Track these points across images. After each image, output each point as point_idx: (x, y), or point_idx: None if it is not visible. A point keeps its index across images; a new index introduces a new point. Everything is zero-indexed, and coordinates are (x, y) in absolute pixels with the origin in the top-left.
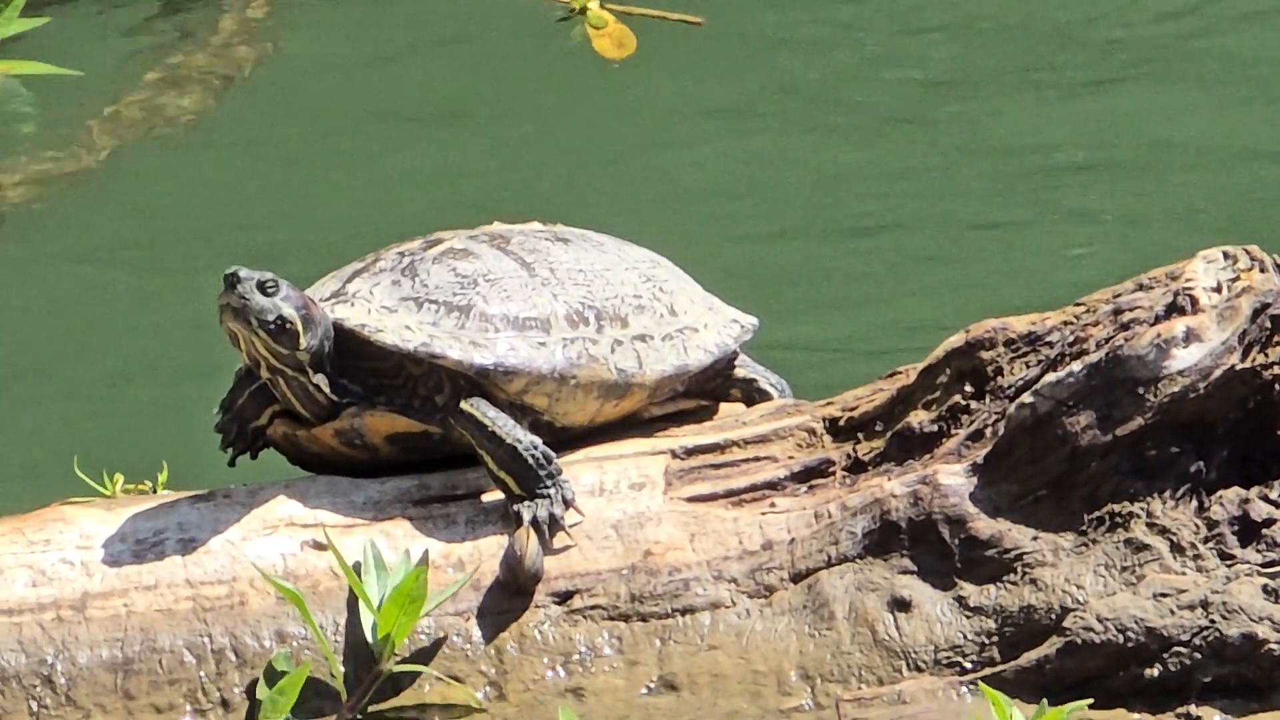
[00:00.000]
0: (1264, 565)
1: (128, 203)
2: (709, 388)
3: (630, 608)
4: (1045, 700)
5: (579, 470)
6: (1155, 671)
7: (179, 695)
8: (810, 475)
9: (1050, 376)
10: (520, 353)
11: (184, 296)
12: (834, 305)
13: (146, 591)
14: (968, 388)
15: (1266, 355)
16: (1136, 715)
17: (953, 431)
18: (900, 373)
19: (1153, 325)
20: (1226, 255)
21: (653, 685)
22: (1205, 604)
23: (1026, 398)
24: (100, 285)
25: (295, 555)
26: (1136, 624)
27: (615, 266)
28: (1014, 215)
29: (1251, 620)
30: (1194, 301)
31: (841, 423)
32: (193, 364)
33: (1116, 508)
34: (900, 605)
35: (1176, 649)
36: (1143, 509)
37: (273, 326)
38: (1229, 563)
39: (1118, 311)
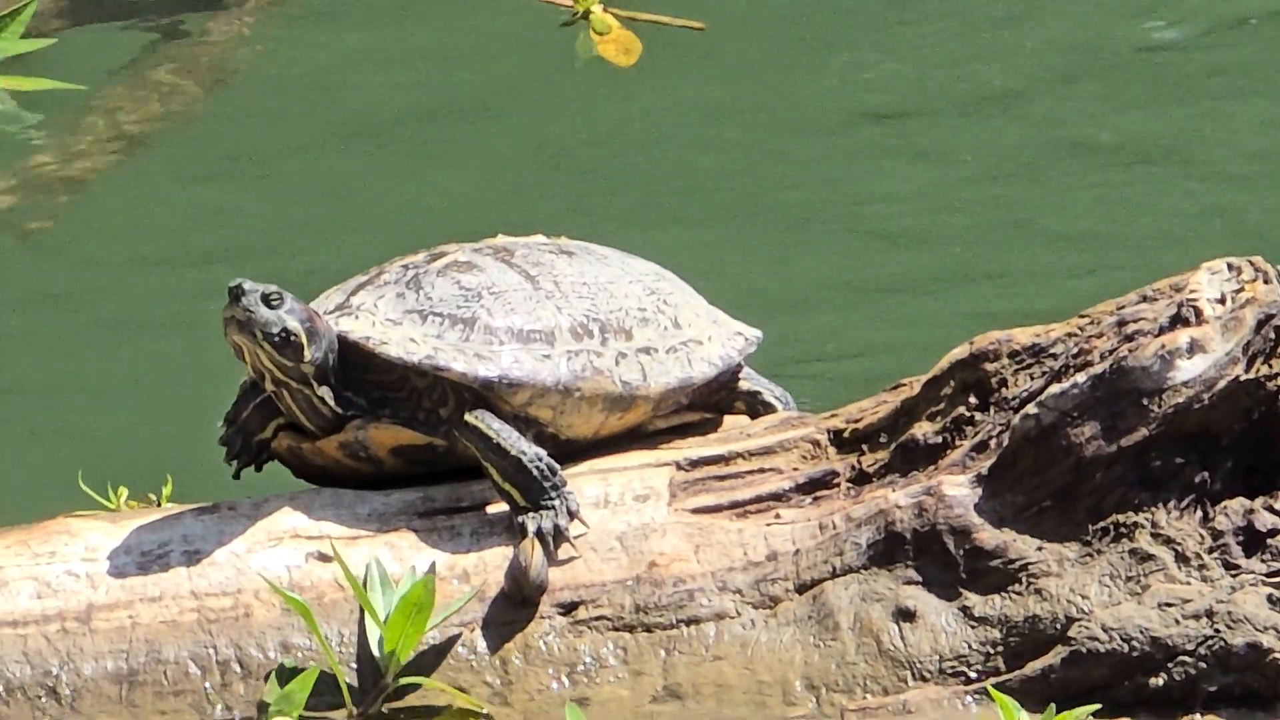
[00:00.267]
0: (1269, 575)
1: (130, 215)
2: (713, 400)
3: (635, 619)
4: (1052, 707)
5: (583, 482)
6: (1160, 681)
7: (184, 706)
8: (815, 487)
9: (1055, 388)
10: (525, 365)
11: (188, 309)
12: (839, 316)
13: (151, 603)
14: (972, 399)
15: (1270, 366)
16: None
17: (957, 443)
18: (904, 384)
19: (1157, 336)
20: (1230, 266)
21: (658, 696)
22: (1210, 613)
23: (1031, 409)
24: (103, 298)
25: (300, 567)
26: (1141, 633)
27: (619, 279)
28: (1021, 225)
29: (1256, 630)
30: (1198, 313)
31: (846, 434)
32: (197, 377)
33: (1121, 518)
34: (905, 615)
35: (1181, 658)
36: (1147, 519)
37: (277, 339)
38: (1234, 572)
39: (1122, 323)
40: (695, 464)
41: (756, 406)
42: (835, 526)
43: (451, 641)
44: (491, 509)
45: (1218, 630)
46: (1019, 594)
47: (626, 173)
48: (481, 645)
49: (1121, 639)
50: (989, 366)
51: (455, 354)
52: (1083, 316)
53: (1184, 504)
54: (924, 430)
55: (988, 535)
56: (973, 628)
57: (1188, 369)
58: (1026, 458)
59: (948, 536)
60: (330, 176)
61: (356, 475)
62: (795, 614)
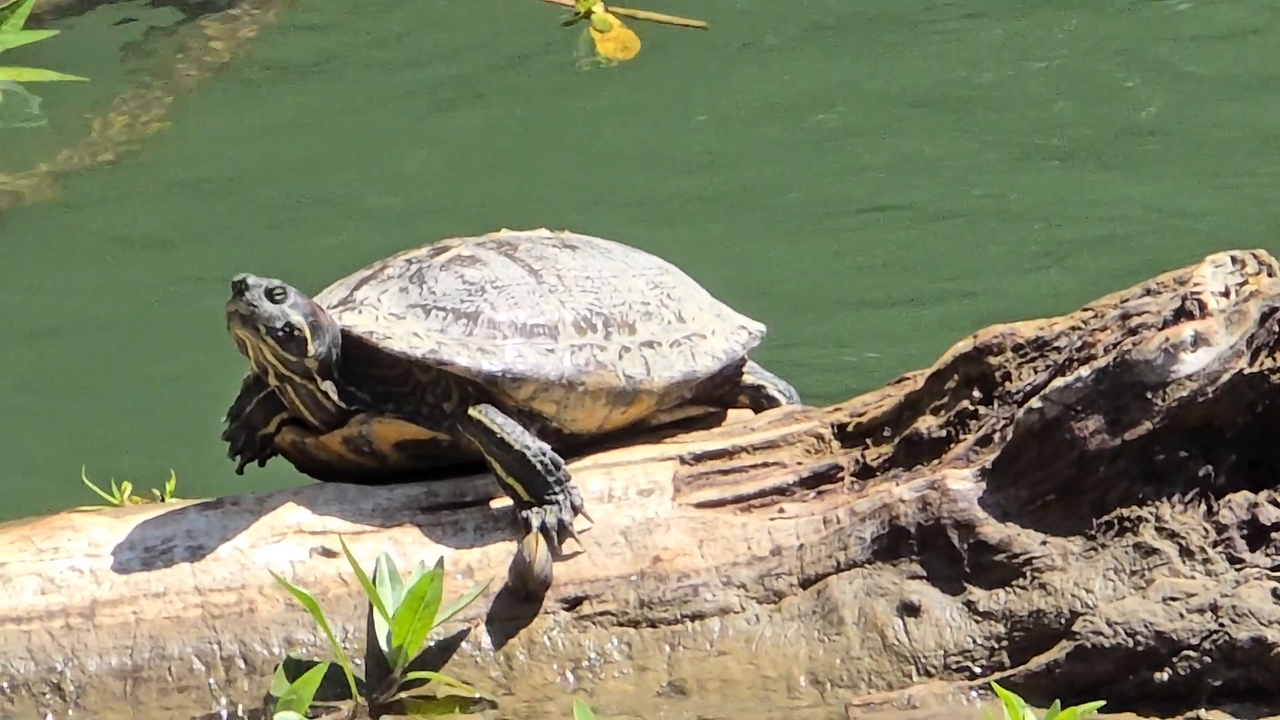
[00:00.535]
0: (1273, 569)
1: (134, 207)
2: (717, 394)
3: (639, 614)
4: (1057, 702)
5: (587, 477)
6: (1165, 676)
7: (188, 702)
8: (819, 481)
9: (1058, 381)
10: (528, 359)
11: (191, 303)
12: (842, 311)
13: (155, 599)
14: (976, 393)
15: (1275, 359)
16: (1146, 719)
17: (961, 437)
18: (908, 378)
19: (1160, 330)
20: (1234, 260)
21: (662, 691)
22: (1215, 608)
23: (1035, 403)
24: (106, 293)
25: (304, 562)
26: (1146, 628)
27: (623, 273)
28: (1024, 220)
29: (1261, 624)
30: (1202, 306)
31: (850, 428)
32: (200, 372)
33: (1125, 512)
34: (909, 610)
35: (1186, 653)
36: (1151, 513)
37: (281, 334)
38: (1238, 566)
39: (1125, 316)
40: (699, 458)
41: (760, 400)
42: (839, 521)
43: (457, 637)
44: (495, 504)
45: (1222, 625)
46: (1023, 588)
47: (626, 165)
48: (486, 641)
49: (1126, 633)
50: (993, 360)
51: (459, 348)
52: (1086, 309)
53: (1188, 498)
54: (928, 424)
55: (992, 529)
56: (977, 622)
57: (1191, 362)
58: (1030, 452)
59: (952, 531)
60: (329, 171)
61: (360, 470)
62: (800, 609)
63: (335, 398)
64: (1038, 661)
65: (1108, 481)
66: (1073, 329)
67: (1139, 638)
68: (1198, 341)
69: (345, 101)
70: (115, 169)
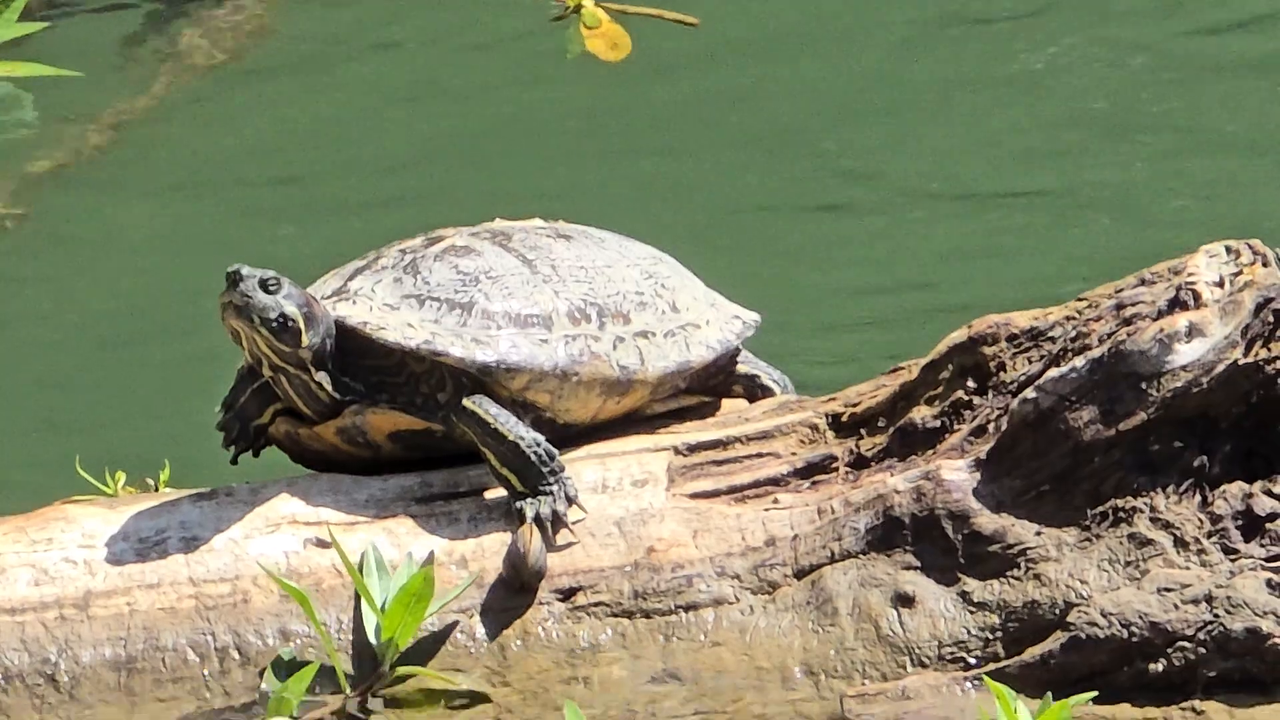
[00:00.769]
0: (1267, 559)
1: (127, 200)
2: (711, 384)
3: (634, 604)
4: (1049, 695)
5: (582, 467)
6: (1159, 666)
7: (182, 693)
8: (813, 471)
9: (1053, 372)
10: (522, 350)
11: (185, 294)
12: (836, 300)
13: (149, 590)
14: (970, 383)
15: (1269, 349)
16: (1141, 710)
17: (955, 427)
18: (903, 368)
19: (1155, 320)
20: (1229, 250)
21: (657, 680)
22: (1209, 598)
23: (1029, 393)
24: (99, 283)
25: (298, 553)
26: (1140, 619)
27: (617, 263)
28: (1017, 211)
29: (1255, 615)
30: (1196, 296)
31: (844, 418)
32: (194, 361)
33: (1120, 502)
34: (904, 601)
35: (1181, 644)
36: (1146, 504)
37: (275, 324)
38: (1233, 557)
39: (1120, 306)
40: (693, 449)
41: (754, 390)
42: (834, 511)
43: (450, 628)
44: (489, 494)
45: (1217, 615)
46: (1018, 579)
47: (617, 161)
48: (480, 631)
49: (1120, 624)
50: (987, 350)
51: (453, 339)
52: (1081, 299)
53: (1182, 488)
54: (922, 414)
55: (986, 520)
56: (971, 613)
57: (1186, 353)
58: (1025, 442)
59: (946, 521)
60: (322, 163)
61: (354, 460)
62: (794, 600)
63: (329, 388)
64: (1032, 652)
65: (1102, 472)
66: (1067, 319)
67: (1134, 628)
68: (1192, 332)
69: (335, 95)
70: (108, 162)
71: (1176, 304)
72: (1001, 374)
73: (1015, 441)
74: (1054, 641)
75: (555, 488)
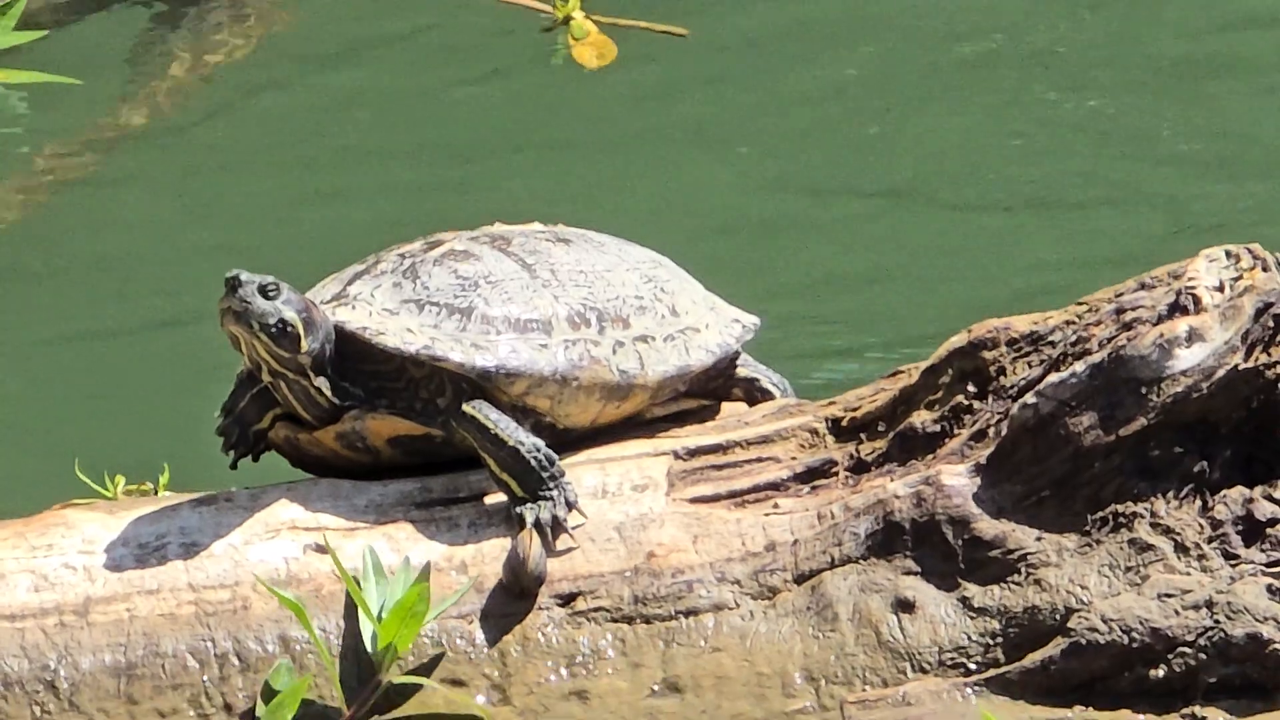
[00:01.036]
0: (1268, 565)
1: (128, 207)
2: (711, 388)
3: (633, 610)
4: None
5: (581, 472)
6: (1160, 672)
7: (182, 700)
8: (813, 476)
9: (1053, 376)
10: (522, 355)
11: (185, 298)
12: (834, 305)
13: (149, 596)
14: (970, 388)
15: (1269, 354)
16: (1141, 716)
17: (955, 432)
18: (903, 372)
19: (1155, 325)
20: (1229, 254)
21: (657, 688)
22: (1210, 604)
23: (1029, 398)
24: (100, 287)
25: (298, 559)
26: (1141, 624)
27: (616, 267)
28: (1016, 214)
29: (1256, 620)
30: (1197, 301)
31: (844, 423)
32: (194, 366)
33: (1120, 508)
34: (904, 606)
35: (1181, 649)
36: (1146, 509)
37: (274, 330)
38: (1233, 563)
39: (1120, 311)
40: (693, 453)
41: (754, 393)
42: (834, 516)
43: (449, 633)
44: (489, 500)
45: (1217, 621)
46: (1018, 585)
47: (609, 170)
48: (480, 637)
49: (1121, 630)
50: (987, 355)
51: (452, 344)
52: (1081, 304)
53: (1183, 493)
54: (922, 419)
55: (986, 525)
56: (972, 619)
57: (1186, 358)
58: (1025, 447)
59: (946, 526)
60: (315, 170)
61: (354, 465)
62: (794, 605)
63: (328, 393)
64: (1033, 658)
65: (1102, 477)
66: (1067, 323)
67: (1134, 634)
68: (1192, 337)
69: (328, 102)
70: (108, 166)
71: (1176, 309)
72: (1001, 379)
73: (1015, 447)
74: (1054, 647)
75: (555, 493)
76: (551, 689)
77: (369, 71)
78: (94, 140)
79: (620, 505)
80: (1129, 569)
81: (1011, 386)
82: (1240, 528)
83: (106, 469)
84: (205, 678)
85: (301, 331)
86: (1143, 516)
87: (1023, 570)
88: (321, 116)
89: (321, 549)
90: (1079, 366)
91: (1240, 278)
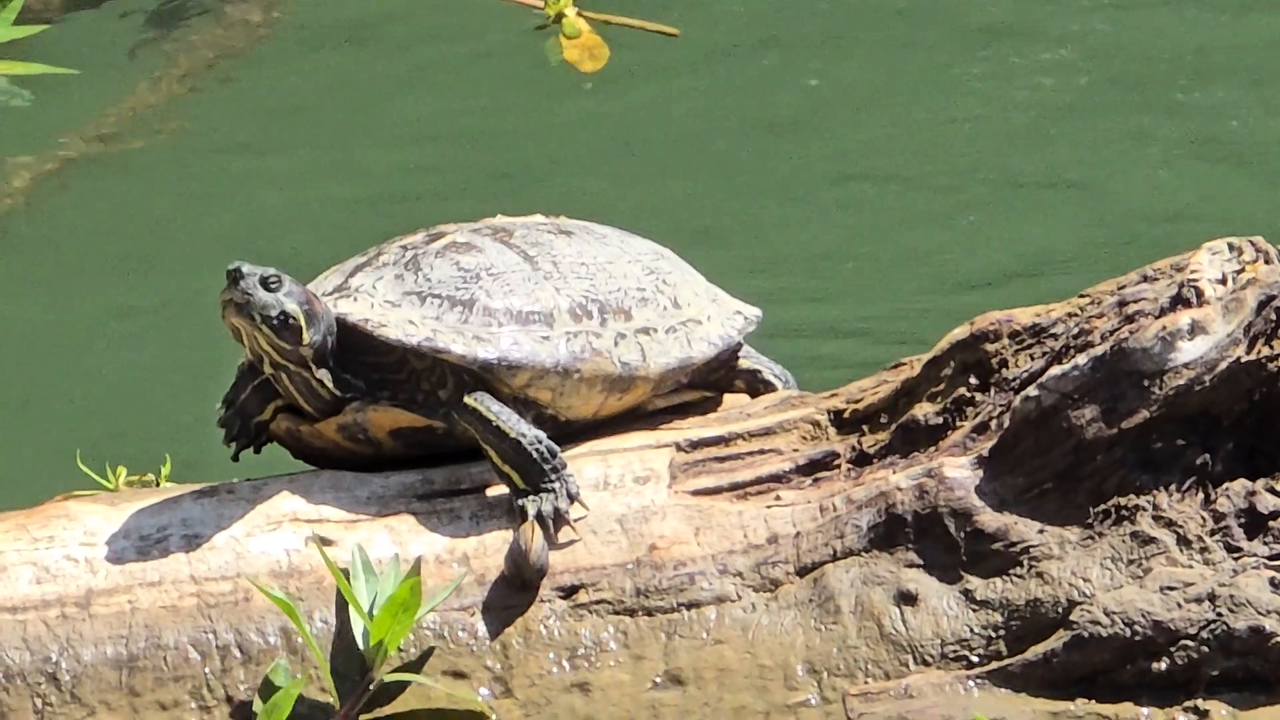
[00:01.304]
0: (1271, 558)
1: (130, 198)
2: (713, 379)
3: (635, 602)
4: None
5: (583, 464)
6: (1163, 665)
7: (184, 692)
8: (815, 468)
9: (1055, 369)
10: (524, 347)
11: (187, 290)
12: (836, 297)
13: (151, 588)
14: (972, 380)
15: (1272, 347)
16: (1144, 709)
17: (958, 424)
18: (905, 364)
19: (1158, 318)
20: (1231, 247)
21: (659, 680)
22: (1212, 597)
23: (1031, 390)
24: (102, 279)
25: (299, 551)
26: (1143, 617)
27: (618, 259)
28: (1018, 208)
29: (1259, 613)
30: (1199, 293)
31: (846, 415)
32: (196, 358)
33: (1122, 500)
34: (906, 599)
35: (1184, 642)
36: (1149, 502)
37: (276, 322)
38: (1236, 555)
39: (1122, 303)
40: (695, 445)
41: (756, 385)
42: (836, 509)
43: (451, 625)
44: (491, 492)
45: (1220, 614)
46: (1020, 577)
47: (603, 171)
48: (482, 629)
49: (1123, 623)
50: (989, 347)
51: (454, 336)
52: (1083, 296)
53: (1185, 486)
54: (924, 411)
55: (989, 518)
56: (974, 611)
57: (1189, 350)
58: (1027, 439)
59: (949, 519)
60: (314, 165)
61: (355, 457)
62: (796, 597)
63: (330, 385)
64: (1035, 651)
65: (1105, 470)
66: (1069, 316)
67: (1137, 627)
68: (1195, 329)
69: (324, 96)
70: (108, 158)
71: (1179, 301)
72: (1004, 371)
73: (1018, 439)
74: (1057, 640)
75: (557, 485)
76: (553, 681)
77: (370, 69)
78: (96, 133)
79: (622, 497)
80: (1131, 562)
81: (1014, 379)
82: (1242, 520)
83: (108, 460)
84: (207, 670)
85: (303, 324)
86: (1145, 509)
87: (1025, 563)
88: (327, 109)
89: (324, 540)
90: (1081, 359)
91: (1243, 270)
